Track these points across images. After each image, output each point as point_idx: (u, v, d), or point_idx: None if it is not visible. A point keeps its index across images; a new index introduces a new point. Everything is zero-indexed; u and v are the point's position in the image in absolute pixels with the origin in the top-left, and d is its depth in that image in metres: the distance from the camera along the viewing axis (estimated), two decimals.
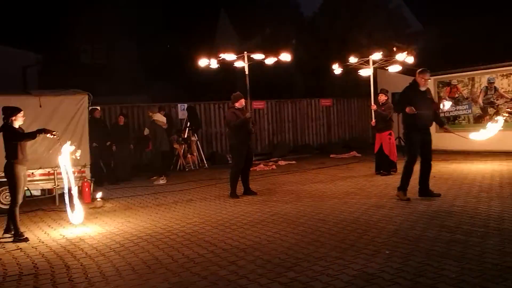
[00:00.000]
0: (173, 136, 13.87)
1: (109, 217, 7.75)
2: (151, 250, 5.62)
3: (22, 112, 6.71)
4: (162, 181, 11.38)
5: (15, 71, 17.18)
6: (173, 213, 7.79)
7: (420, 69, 7.57)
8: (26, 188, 7.75)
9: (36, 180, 9.04)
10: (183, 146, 13.72)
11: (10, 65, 16.94)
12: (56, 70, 19.74)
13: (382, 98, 10.38)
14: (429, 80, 7.57)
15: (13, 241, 6.40)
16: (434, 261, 4.57)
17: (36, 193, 9.43)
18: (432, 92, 14.16)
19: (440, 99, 14.06)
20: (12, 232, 6.55)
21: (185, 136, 13.79)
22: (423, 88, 7.50)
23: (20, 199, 6.61)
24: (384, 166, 10.32)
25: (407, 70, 11.44)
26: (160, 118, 12.06)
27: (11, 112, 6.63)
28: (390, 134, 10.35)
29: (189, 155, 13.78)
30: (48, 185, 9.20)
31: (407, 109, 7.24)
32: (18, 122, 6.67)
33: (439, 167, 10.70)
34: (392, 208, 7.04)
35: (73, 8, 20.42)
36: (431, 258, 4.67)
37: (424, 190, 7.63)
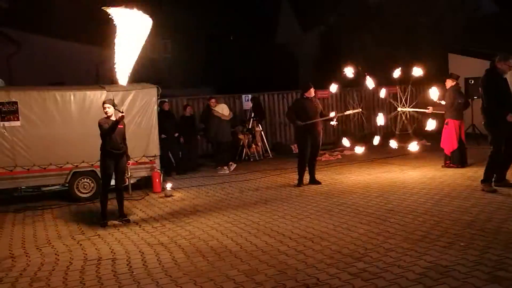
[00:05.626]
0: (238, 127, 14.03)
1: (179, 206, 8.00)
2: (220, 238, 5.75)
3: (105, 104, 7.00)
4: (225, 171, 11.58)
5: (89, 67, 18.11)
6: (239, 202, 7.91)
7: (502, 55, 7.09)
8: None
9: None
10: (248, 136, 13.85)
11: (84, 61, 17.90)
12: None
13: (449, 83, 9.81)
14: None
15: (101, 225, 6.90)
16: None
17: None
18: None
19: None
20: (125, 218, 7.13)
21: (250, 126, 13.90)
22: (505, 75, 7.08)
23: (106, 187, 7.08)
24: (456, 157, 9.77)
25: (482, 54, 10.77)
26: (219, 109, 12.18)
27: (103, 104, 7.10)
28: (447, 123, 9.76)
29: (253, 145, 13.89)
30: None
31: (509, 118, 6.80)
32: (107, 113, 6.97)
33: None
34: (466, 198, 6.74)
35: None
36: (511, 251, 4.42)
37: (501, 178, 7.27)
